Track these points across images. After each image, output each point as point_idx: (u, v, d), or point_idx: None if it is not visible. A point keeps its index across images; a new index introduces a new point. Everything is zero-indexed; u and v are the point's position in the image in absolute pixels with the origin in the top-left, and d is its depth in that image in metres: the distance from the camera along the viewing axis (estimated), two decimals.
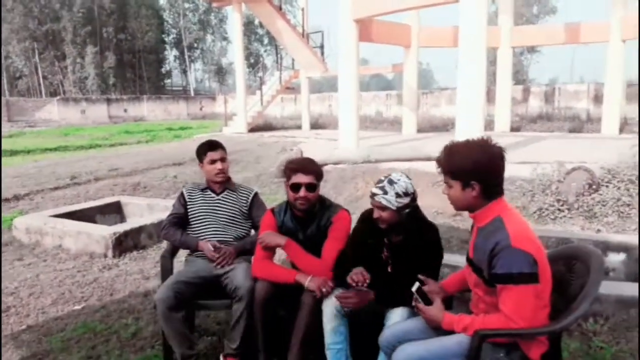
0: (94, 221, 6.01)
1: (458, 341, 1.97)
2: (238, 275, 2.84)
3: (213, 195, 3.28)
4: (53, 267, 4.83)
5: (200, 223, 3.22)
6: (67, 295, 4.16)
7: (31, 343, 3.33)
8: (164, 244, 5.39)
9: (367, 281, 2.44)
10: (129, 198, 7.09)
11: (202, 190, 3.30)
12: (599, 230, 5.52)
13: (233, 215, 3.24)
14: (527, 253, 1.87)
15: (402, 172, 2.54)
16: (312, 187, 2.72)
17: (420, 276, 2.20)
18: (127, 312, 3.78)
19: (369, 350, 2.72)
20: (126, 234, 5.21)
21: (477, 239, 2.05)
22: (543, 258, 1.93)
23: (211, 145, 3.24)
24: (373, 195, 2.46)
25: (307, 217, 2.82)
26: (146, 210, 6.40)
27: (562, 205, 6.18)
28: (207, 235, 3.17)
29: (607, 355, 2.83)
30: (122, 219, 6.48)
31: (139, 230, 5.34)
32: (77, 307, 3.93)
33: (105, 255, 5.04)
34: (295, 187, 2.72)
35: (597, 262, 1.98)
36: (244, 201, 3.29)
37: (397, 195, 2.42)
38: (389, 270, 2.60)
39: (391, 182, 2.45)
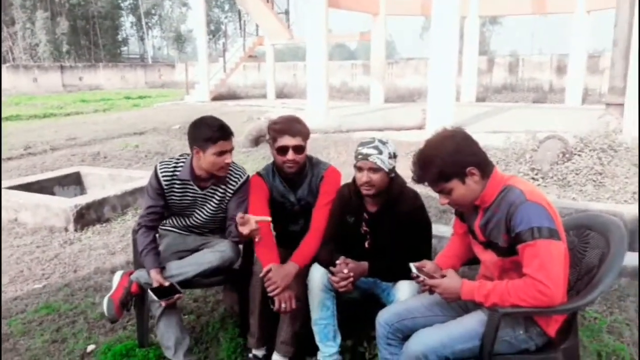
0: (52, 193, 5.64)
1: (480, 320, 1.80)
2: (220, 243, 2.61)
3: (197, 189, 2.59)
4: (9, 243, 4.47)
5: (179, 223, 2.74)
6: (26, 273, 3.84)
7: None
8: (129, 217, 5.10)
9: (350, 279, 2.27)
10: (89, 168, 6.69)
11: (183, 181, 2.57)
12: (574, 199, 5.52)
13: (221, 211, 2.67)
14: (543, 207, 1.74)
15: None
16: (300, 149, 2.53)
17: (412, 264, 1.99)
18: (94, 290, 3.50)
19: (358, 322, 2.58)
20: (88, 206, 4.87)
21: (485, 217, 1.88)
22: (559, 222, 1.79)
23: (224, 132, 2.45)
24: (366, 156, 2.26)
25: (297, 178, 2.65)
26: (108, 181, 6.04)
27: (536, 174, 6.16)
28: (190, 235, 2.76)
29: (603, 325, 2.76)
30: (83, 191, 6.11)
31: (101, 202, 5.01)
32: (38, 285, 3.63)
33: (66, 229, 4.70)
34: (282, 150, 2.52)
35: (618, 232, 1.84)
36: (232, 192, 2.64)
37: (389, 156, 2.29)
38: (367, 245, 2.44)
39: (382, 142, 2.30)
